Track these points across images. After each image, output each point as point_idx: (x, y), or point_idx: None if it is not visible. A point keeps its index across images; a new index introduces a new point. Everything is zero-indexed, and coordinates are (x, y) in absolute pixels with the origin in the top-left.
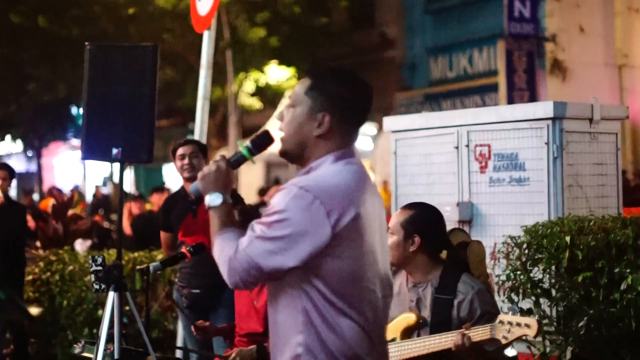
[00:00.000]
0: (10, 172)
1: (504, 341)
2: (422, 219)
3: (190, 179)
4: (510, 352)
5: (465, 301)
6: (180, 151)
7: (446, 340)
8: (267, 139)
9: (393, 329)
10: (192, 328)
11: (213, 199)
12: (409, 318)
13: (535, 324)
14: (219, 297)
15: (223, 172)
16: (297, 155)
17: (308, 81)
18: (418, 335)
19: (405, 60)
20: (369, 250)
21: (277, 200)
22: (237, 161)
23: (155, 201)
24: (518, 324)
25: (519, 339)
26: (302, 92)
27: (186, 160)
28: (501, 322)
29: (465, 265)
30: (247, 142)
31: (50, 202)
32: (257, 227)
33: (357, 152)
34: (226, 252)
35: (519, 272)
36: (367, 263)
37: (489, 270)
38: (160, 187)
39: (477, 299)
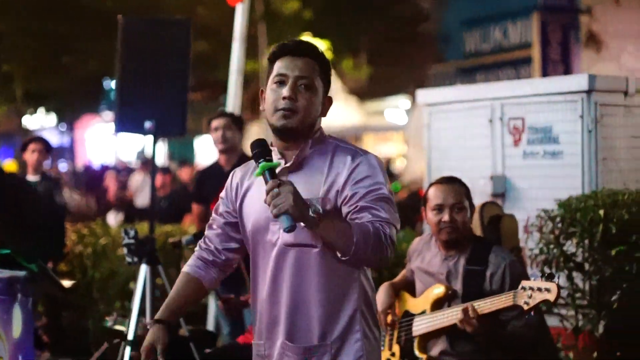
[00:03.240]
0: (47, 146)
1: (525, 307)
2: (469, 190)
3: (224, 152)
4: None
5: (497, 273)
6: (214, 124)
7: (455, 313)
8: (267, 147)
9: (423, 301)
10: (219, 303)
11: (316, 208)
12: (439, 290)
13: (555, 288)
14: (248, 270)
15: (295, 187)
16: (299, 135)
17: (317, 65)
18: (449, 307)
19: (440, 33)
20: None
21: (376, 173)
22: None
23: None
24: (539, 289)
25: (540, 304)
26: (317, 76)
27: (220, 133)
28: (523, 288)
29: (498, 238)
30: (260, 161)
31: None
32: (380, 204)
33: None
34: (376, 235)
35: (552, 246)
36: None
37: (521, 244)
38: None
39: (509, 270)
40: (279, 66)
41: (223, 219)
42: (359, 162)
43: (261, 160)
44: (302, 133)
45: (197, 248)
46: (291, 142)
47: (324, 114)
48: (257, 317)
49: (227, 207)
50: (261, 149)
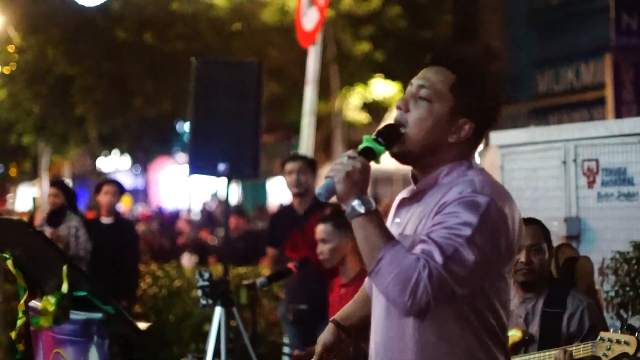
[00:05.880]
0: (120, 188)
1: (604, 359)
2: (548, 233)
3: (298, 195)
4: None
5: (576, 316)
6: (288, 167)
7: (549, 356)
8: (394, 132)
9: None
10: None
11: (367, 204)
12: (515, 335)
13: (635, 342)
14: (324, 312)
15: (366, 171)
16: (418, 158)
17: (452, 76)
18: (525, 352)
19: (511, 74)
20: None
21: (472, 215)
22: (369, 158)
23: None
24: (618, 341)
25: (619, 357)
26: (445, 87)
27: (294, 176)
28: (602, 339)
29: (573, 281)
30: (373, 135)
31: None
32: (448, 247)
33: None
34: (408, 269)
35: (627, 288)
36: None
37: (597, 286)
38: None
39: (587, 313)
40: None
41: None
42: (461, 197)
43: (374, 137)
44: (414, 156)
45: None
46: (419, 170)
47: (459, 136)
48: None
49: None
50: (387, 131)
